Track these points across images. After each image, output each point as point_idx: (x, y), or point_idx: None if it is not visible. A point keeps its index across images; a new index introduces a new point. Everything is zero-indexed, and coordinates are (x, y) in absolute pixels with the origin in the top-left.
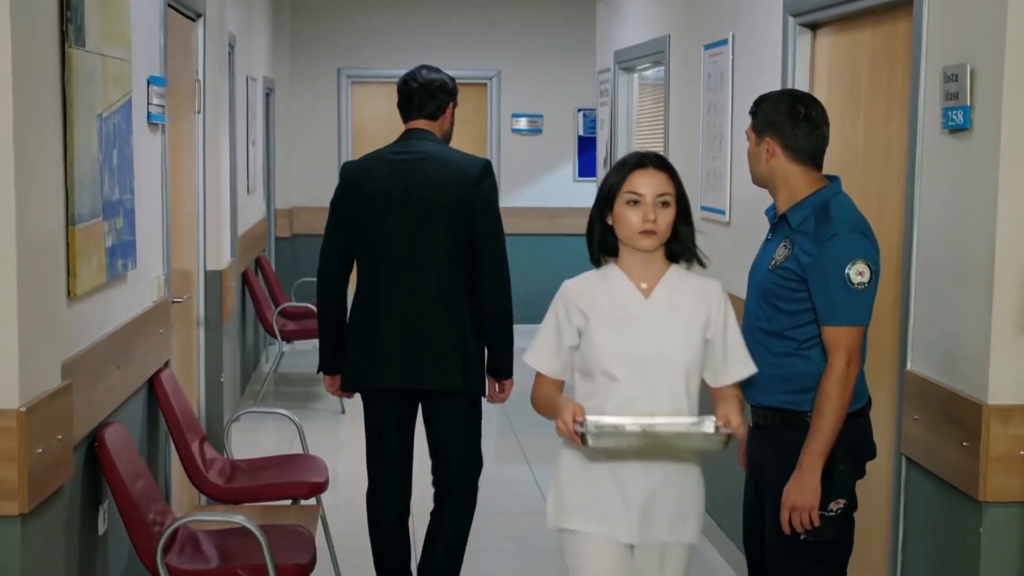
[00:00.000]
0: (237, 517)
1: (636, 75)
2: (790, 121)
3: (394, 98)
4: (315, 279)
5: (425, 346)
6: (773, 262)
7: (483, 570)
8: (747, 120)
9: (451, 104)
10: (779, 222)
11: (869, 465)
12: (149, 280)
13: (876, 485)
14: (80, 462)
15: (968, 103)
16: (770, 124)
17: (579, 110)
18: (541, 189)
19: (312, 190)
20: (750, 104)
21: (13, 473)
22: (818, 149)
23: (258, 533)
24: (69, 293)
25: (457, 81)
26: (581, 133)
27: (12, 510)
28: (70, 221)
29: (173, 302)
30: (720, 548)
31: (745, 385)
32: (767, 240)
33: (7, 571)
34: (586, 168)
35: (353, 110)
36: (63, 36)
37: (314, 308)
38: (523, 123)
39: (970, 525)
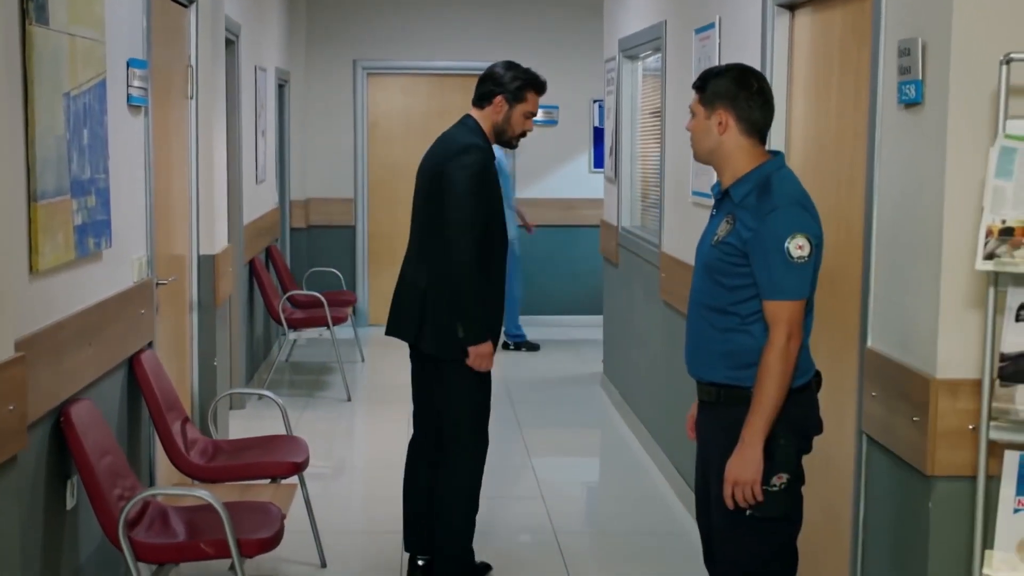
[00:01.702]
0: (198, 492)
1: (639, 63)
2: (744, 93)
3: (410, 90)
4: (326, 270)
5: (403, 304)
6: (716, 238)
7: (488, 558)
8: None
9: (499, 96)
10: (723, 198)
11: (832, 443)
12: (129, 260)
13: (839, 463)
14: (45, 436)
15: (920, 77)
16: (722, 96)
17: (594, 101)
18: (557, 180)
19: (328, 182)
20: None
21: None
22: (767, 123)
23: (218, 507)
24: (32, 268)
25: (471, 73)
26: (596, 124)
27: None
28: (32, 197)
29: (158, 284)
30: None
31: (689, 361)
32: (712, 216)
33: None
34: (601, 159)
35: (369, 102)
36: (24, 14)
37: (321, 297)
38: (539, 114)
39: (920, 500)
